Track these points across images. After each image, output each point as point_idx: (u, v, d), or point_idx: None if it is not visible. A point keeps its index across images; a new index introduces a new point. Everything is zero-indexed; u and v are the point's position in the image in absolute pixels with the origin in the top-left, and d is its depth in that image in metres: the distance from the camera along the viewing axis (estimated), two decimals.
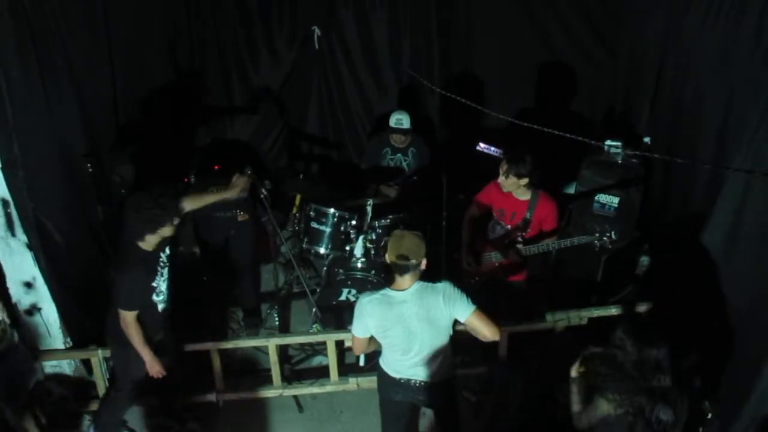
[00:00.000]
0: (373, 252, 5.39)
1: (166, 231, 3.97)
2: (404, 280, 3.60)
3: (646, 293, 5.27)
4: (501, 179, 4.62)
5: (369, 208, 5.41)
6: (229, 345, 5.01)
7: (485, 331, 3.61)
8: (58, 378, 4.90)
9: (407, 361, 3.74)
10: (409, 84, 6.93)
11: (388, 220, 5.38)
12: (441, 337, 3.68)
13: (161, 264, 4.13)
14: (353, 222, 5.42)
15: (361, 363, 5.07)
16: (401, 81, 6.99)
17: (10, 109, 4.20)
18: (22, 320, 4.64)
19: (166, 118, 6.30)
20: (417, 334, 3.63)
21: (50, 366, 4.89)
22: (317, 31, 6.75)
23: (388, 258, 3.59)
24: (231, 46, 6.96)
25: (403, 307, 3.60)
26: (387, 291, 3.65)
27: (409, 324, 3.61)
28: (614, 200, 5.29)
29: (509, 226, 4.78)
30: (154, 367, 4.21)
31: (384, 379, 3.90)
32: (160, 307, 4.21)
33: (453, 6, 6.68)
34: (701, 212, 4.57)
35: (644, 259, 5.62)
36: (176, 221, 3.98)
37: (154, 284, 4.10)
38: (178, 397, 4.84)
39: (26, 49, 4.33)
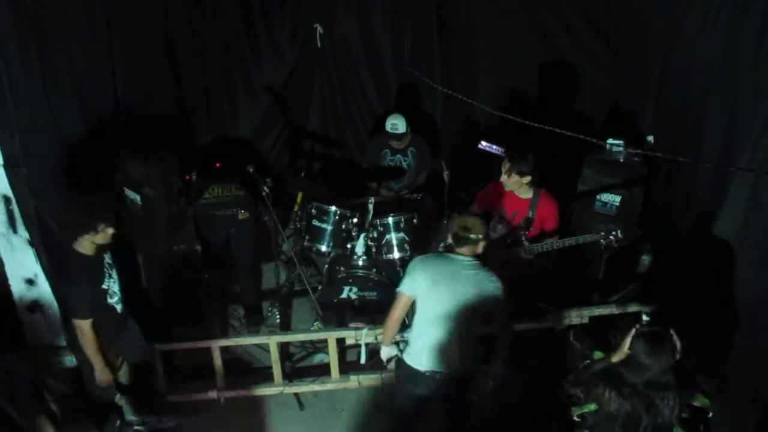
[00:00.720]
0: (374, 250, 5.39)
1: (98, 238, 3.95)
2: (463, 250, 3.79)
3: (648, 292, 5.28)
4: (503, 178, 4.64)
5: (371, 206, 5.41)
6: (231, 342, 5.02)
7: (503, 326, 3.92)
8: (60, 375, 4.89)
9: (427, 344, 3.77)
10: (410, 82, 6.92)
11: (390, 219, 5.37)
12: (477, 315, 3.79)
13: (107, 266, 4.13)
14: (355, 220, 5.42)
15: (362, 361, 5.07)
16: (402, 79, 6.99)
17: (12, 106, 4.21)
18: (23, 317, 4.64)
19: (167, 116, 6.31)
20: (461, 298, 3.71)
21: (51, 363, 4.89)
22: (319, 29, 6.75)
23: (451, 232, 3.81)
24: (233, 44, 6.96)
25: (460, 266, 3.77)
26: (448, 254, 3.84)
27: (458, 283, 3.73)
28: (616, 199, 5.28)
29: (511, 225, 4.78)
30: (102, 375, 4.20)
31: (406, 372, 3.91)
32: (119, 308, 4.22)
33: (454, 5, 6.67)
34: (704, 211, 4.57)
35: (645, 258, 5.61)
36: (109, 230, 3.95)
37: (104, 287, 4.10)
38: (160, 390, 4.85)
39: (27, 47, 4.34)
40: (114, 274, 4.20)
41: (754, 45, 4.14)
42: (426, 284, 3.78)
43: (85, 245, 3.98)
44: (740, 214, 4.16)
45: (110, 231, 3.96)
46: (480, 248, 3.82)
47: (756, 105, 4.01)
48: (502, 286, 3.77)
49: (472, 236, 3.75)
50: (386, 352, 4.18)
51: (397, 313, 3.90)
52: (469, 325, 3.78)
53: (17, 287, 4.57)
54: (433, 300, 3.77)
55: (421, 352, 3.83)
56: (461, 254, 3.80)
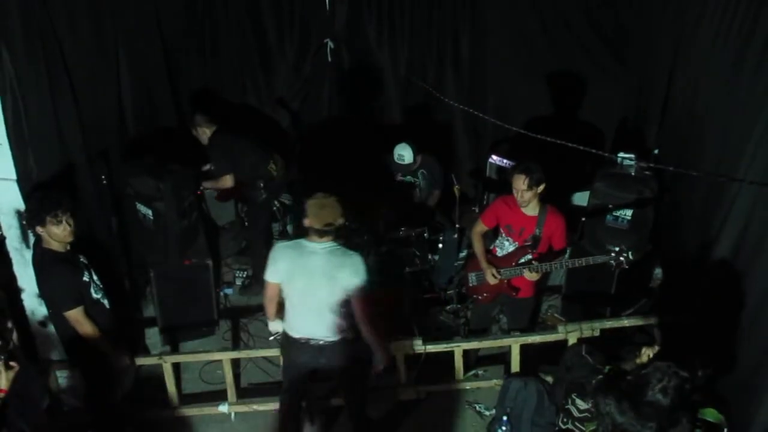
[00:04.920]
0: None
1: (54, 233, 3.94)
2: (326, 238, 3.85)
3: (661, 306, 5.25)
4: (525, 194, 4.50)
5: (381, 222, 5.42)
6: (241, 355, 5.02)
7: (362, 315, 3.94)
8: (71, 389, 4.91)
9: (306, 316, 3.97)
10: (422, 96, 6.93)
11: (401, 233, 5.37)
12: (336, 295, 3.90)
13: (82, 264, 4.17)
14: (365, 234, 5.42)
15: None
16: (413, 93, 7.00)
17: (26, 123, 4.29)
18: (35, 331, 4.67)
19: (177, 130, 6.36)
20: (315, 288, 3.88)
21: (63, 377, 4.91)
22: (330, 44, 6.79)
23: (312, 224, 3.81)
24: (245, 58, 7.03)
25: (311, 257, 3.87)
26: (302, 240, 3.91)
27: (312, 275, 3.86)
28: (627, 213, 5.25)
29: (518, 243, 4.75)
30: (120, 360, 4.25)
31: (287, 341, 4.12)
32: (107, 303, 4.25)
33: (465, 17, 6.67)
34: (706, 224, 4.58)
35: (658, 272, 5.58)
36: (62, 224, 3.94)
37: (85, 279, 4.13)
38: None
39: (38, 66, 4.42)
40: (94, 274, 4.22)
41: (757, 62, 4.14)
42: (284, 275, 3.95)
43: (52, 243, 4.01)
44: (741, 226, 4.16)
45: (64, 225, 3.95)
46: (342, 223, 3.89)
47: (759, 117, 4.02)
48: (362, 264, 3.88)
49: (337, 223, 3.82)
50: (273, 327, 4.33)
51: (267, 295, 4.11)
52: (332, 304, 3.91)
53: (30, 302, 4.61)
54: (291, 286, 3.97)
55: (293, 322, 4.04)
56: (315, 241, 3.86)
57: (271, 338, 4.58)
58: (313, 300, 3.93)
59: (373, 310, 3.98)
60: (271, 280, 4.03)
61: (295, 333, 4.07)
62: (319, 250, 3.86)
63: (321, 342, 4.01)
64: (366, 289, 3.89)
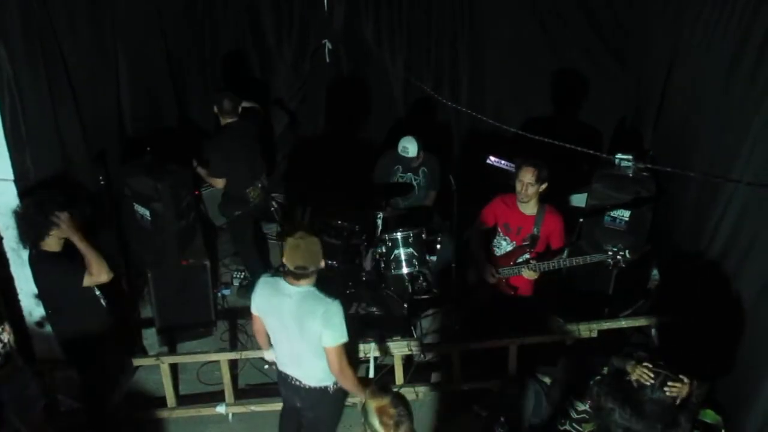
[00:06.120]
0: (383, 265, 5.38)
1: (63, 232, 3.98)
2: (298, 281, 3.66)
3: (659, 307, 5.25)
4: (530, 190, 4.52)
5: (379, 222, 5.41)
6: (239, 356, 5.01)
7: (334, 368, 3.70)
8: (68, 390, 4.90)
9: (283, 355, 3.92)
10: (420, 97, 6.93)
11: (399, 234, 5.37)
12: (310, 344, 3.70)
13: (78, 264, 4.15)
14: (363, 235, 5.41)
15: (371, 375, 5.05)
16: (412, 94, 7.01)
17: (23, 123, 4.28)
18: (32, 332, 4.66)
19: (175, 131, 6.35)
20: (288, 331, 3.75)
21: (60, 378, 4.90)
22: (328, 45, 6.79)
23: (286, 263, 3.61)
24: (243, 59, 7.02)
25: (284, 300, 3.69)
26: (281, 280, 3.74)
27: (283, 317, 3.73)
28: (625, 213, 5.25)
29: (515, 242, 4.75)
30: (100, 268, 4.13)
31: (277, 373, 4.08)
32: (103, 301, 4.24)
33: (464, 17, 6.67)
34: (700, 226, 4.59)
35: (656, 273, 5.58)
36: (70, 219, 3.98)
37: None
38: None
39: (36, 66, 4.42)
40: None
41: (754, 62, 4.15)
42: (260, 307, 3.87)
43: (51, 243, 4.00)
44: (736, 226, 4.17)
45: (69, 218, 3.97)
46: (321, 266, 3.69)
47: (750, 122, 4.03)
48: (336, 314, 3.62)
49: (311, 269, 3.61)
50: (268, 356, 4.29)
51: (254, 327, 4.07)
52: (305, 350, 3.75)
53: (27, 302, 4.60)
54: (266, 323, 3.89)
55: (276, 353, 4.00)
56: (292, 284, 3.66)
57: (267, 367, 4.51)
58: (286, 342, 3.82)
59: (348, 360, 3.73)
60: (253, 312, 3.95)
61: (279, 365, 4.00)
62: (293, 293, 3.66)
63: (297, 383, 3.90)
64: (339, 339, 3.63)
